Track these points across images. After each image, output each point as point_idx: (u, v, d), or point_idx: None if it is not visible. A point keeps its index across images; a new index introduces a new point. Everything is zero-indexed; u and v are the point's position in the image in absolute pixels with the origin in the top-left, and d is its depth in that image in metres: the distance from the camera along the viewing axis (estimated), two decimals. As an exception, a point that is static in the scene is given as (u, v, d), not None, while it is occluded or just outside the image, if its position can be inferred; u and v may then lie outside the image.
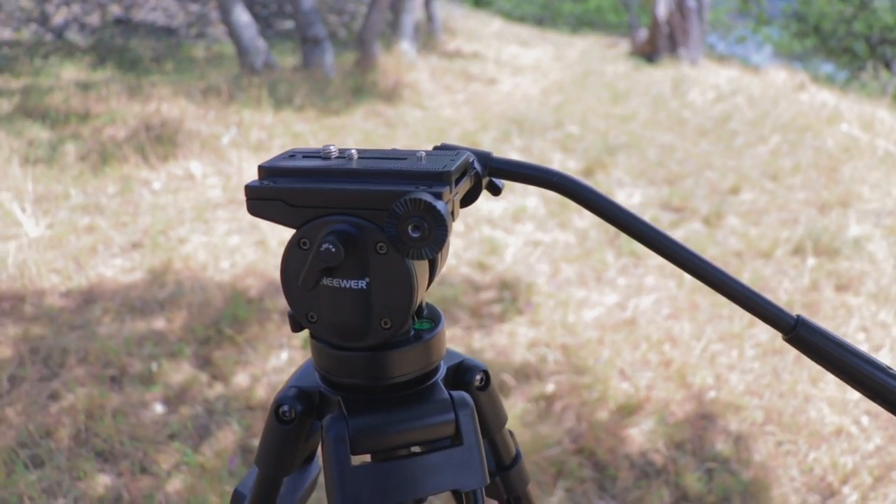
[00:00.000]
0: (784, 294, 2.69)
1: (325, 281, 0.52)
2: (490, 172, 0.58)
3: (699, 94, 6.55)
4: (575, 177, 0.54)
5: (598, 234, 3.22)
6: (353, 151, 0.55)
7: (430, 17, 10.06)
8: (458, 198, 0.54)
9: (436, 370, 0.59)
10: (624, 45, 10.96)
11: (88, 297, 2.54)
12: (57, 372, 2.11)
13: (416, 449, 0.59)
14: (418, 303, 0.54)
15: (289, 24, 9.43)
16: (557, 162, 4.31)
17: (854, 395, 2.09)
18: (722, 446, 1.86)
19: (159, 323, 2.37)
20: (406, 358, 0.55)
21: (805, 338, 0.52)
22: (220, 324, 2.34)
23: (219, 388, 2.04)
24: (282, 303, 2.48)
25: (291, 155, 0.57)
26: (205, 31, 8.83)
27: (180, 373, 2.11)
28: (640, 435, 1.89)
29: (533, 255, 3.02)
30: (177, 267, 2.75)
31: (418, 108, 5.64)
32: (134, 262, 2.81)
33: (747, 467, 1.79)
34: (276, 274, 2.71)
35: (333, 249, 0.48)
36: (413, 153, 0.55)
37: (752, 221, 3.47)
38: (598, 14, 17.49)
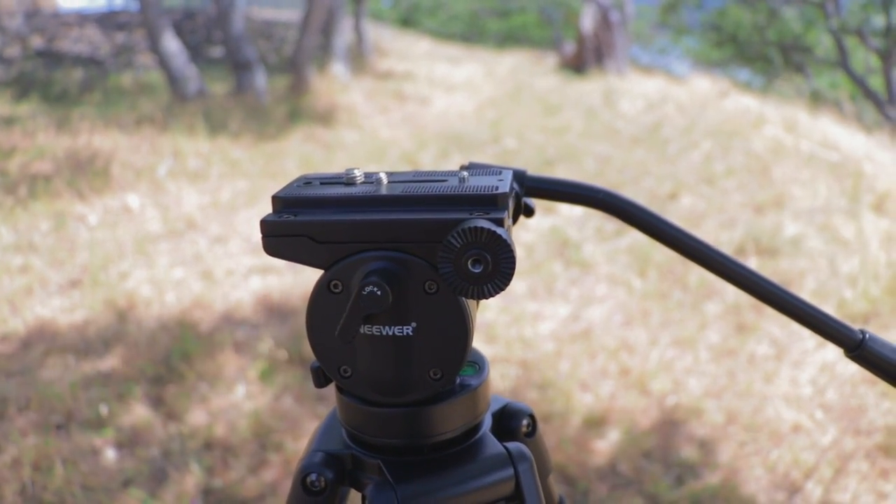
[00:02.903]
0: (731, 295, 2.75)
1: (363, 329, 0.45)
2: (527, 192, 0.53)
3: (629, 104, 6.70)
4: (621, 194, 0.50)
5: (545, 245, 3.24)
6: (382, 175, 0.49)
7: (360, 39, 10.05)
8: (511, 223, 0.48)
9: (483, 420, 0.53)
10: (551, 60, 11.14)
11: (27, 341, 2.42)
12: (-2, 422, 2.00)
13: None
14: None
15: (218, 52, 9.29)
16: (499, 177, 4.34)
17: (806, 390, 2.14)
18: (688, 451, 1.88)
19: (105, 363, 2.28)
20: (454, 411, 0.48)
21: (872, 355, 0.48)
22: (170, 360, 2.26)
23: (174, 428, 1.97)
24: (236, 335, 2.42)
25: (307, 182, 0.50)
26: (132, 61, 8.63)
27: (132, 414, 2.02)
28: (607, 446, 1.89)
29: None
30: (120, 304, 2.65)
31: (355, 130, 5.61)
32: (74, 301, 2.70)
33: (714, 470, 1.81)
34: (224, 306, 2.64)
35: (379, 293, 0.42)
36: (452, 174, 0.49)
37: (692, 225, 3.54)
38: (523, 30, 17.77)
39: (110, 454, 1.88)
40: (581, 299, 2.75)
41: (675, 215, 3.66)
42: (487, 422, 0.53)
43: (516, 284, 2.88)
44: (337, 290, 0.45)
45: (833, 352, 2.35)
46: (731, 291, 2.79)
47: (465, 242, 0.40)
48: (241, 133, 5.14)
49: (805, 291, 2.77)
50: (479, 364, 0.52)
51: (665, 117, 6.08)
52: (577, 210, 3.75)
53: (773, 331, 2.47)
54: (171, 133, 4.87)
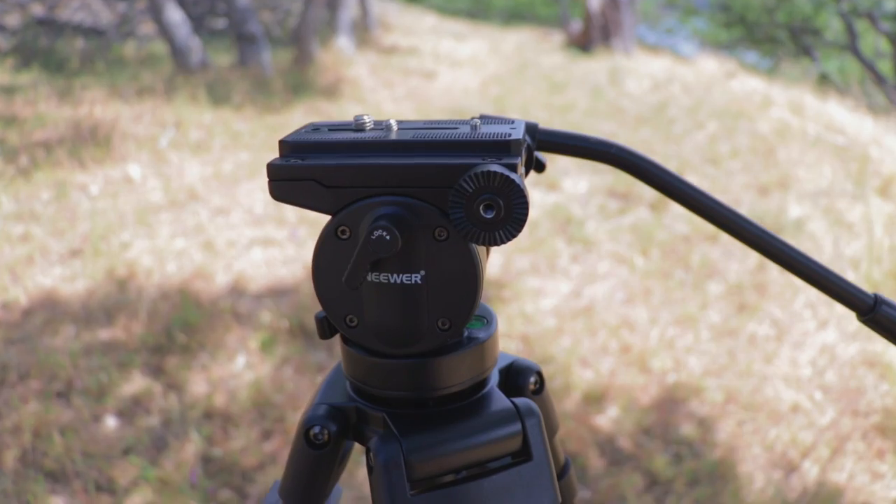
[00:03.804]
0: (733, 275, 2.74)
1: (371, 276, 0.44)
2: (538, 146, 0.51)
3: (635, 84, 6.65)
4: (636, 150, 0.49)
5: (548, 222, 3.23)
6: (392, 122, 0.47)
7: (365, 13, 9.97)
8: (524, 170, 0.47)
9: (491, 375, 0.52)
10: (557, 38, 11.06)
11: (28, 310, 2.43)
12: (-1, 389, 2.01)
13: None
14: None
15: (222, 23, 9.22)
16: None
17: (806, 371, 2.14)
18: (687, 429, 1.88)
19: (106, 332, 2.28)
20: (461, 364, 0.47)
21: (885, 318, 0.47)
22: (171, 330, 2.27)
23: (174, 398, 1.97)
24: (237, 305, 2.42)
25: (315, 128, 0.49)
26: (134, 31, 8.56)
27: (132, 383, 2.03)
28: (607, 422, 1.90)
29: (486, 247, 3.01)
30: (121, 273, 2.65)
31: (359, 104, 5.58)
32: (75, 271, 2.70)
33: (713, 448, 1.81)
34: (225, 277, 2.63)
35: (388, 237, 0.40)
36: (464, 122, 0.48)
37: (696, 206, 3.53)
38: (529, 7, 17.62)
39: (110, 422, 1.88)
40: (583, 276, 2.74)
41: (679, 195, 3.64)
42: (495, 377, 0.53)
43: (518, 260, 2.87)
44: (344, 237, 0.44)
45: (833, 334, 2.35)
46: (733, 272, 2.78)
47: (478, 187, 0.39)
48: (244, 105, 5.11)
49: (807, 273, 2.76)
50: (487, 318, 0.51)
51: (671, 97, 6.04)
52: (581, 187, 3.73)
53: (775, 311, 2.47)
54: (173, 104, 4.85)
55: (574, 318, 2.43)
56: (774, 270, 2.79)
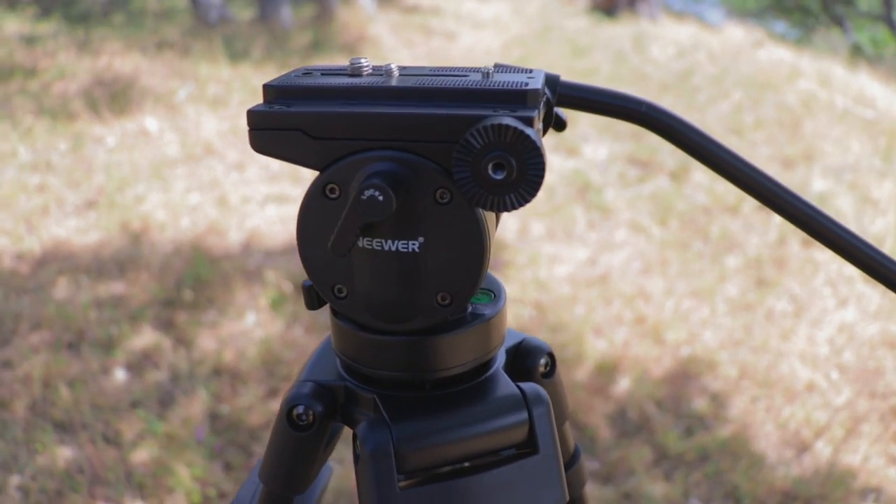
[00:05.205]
0: (753, 249, 2.69)
1: (362, 242, 0.39)
2: (559, 101, 0.46)
3: (660, 50, 6.52)
4: (669, 109, 0.44)
5: (566, 188, 3.18)
6: (393, 66, 0.42)
7: (387, -30, 9.80)
8: (541, 127, 0.41)
9: (496, 356, 0.46)
10: (581, 1, 10.84)
11: (41, 260, 2.42)
12: (9, 339, 2.01)
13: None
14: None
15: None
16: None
17: (823, 349, 2.10)
18: (699, 403, 1.85)
19: (118, 285, 2.27)
20: (463, 343, 0.42)
21: None
22: (182, 285, 2.26)
23: (183, 353, 1.97)
24: (249, 262, 2.40)
25: (307, 72, 0.43)
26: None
27: (142, 337, 2.02)
28: (618, 393, 1.87)
29: (502, 212, 2.97)
30: (135, 227, 2.64)
31: (379, 62, 5.51)
32: (89, 222, 2.69)
33: (724, 424, 1.78)
34: (239, 233, 2.62)
35: (381, 198, 0.35)
36: (475, 70, 0.42)
37: (717, 177, 3.46)
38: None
39: (119, 375, 1.88)
40: (600, 244, 2.70)
41: (700, 166, 3.56)
42: (501, 358, 0.47)
43: (534, 225, 2.83)
44: (333, 196, 0.39)
45: (853, 312, 2.30)
46: (752, 245, 2.73)
47: (487, 142, 0.34)
48: (264, 61, 5.06)
49: (828, 250, 2.70)
50: (494, 292, 0.46)
51: (696, 65, 5.91)
52: (601, 153, 3.67)
53: (794, 287, 2.42)
54: (192, 58, 4.80)
55: (589, 286, 2.39)
56: (795, 245, 2.74)
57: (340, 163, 0.38)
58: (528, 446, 0.43)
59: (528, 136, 0.33)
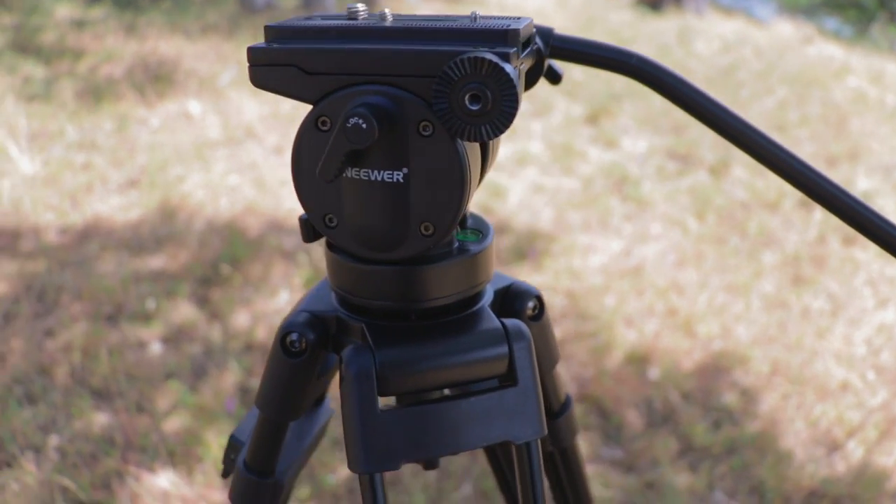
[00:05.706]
0: (791, 246, 2.65)
1: (350, 172, 0.41)
2: (552, 53, 0.48)
3: (705, 45, 6.42)
4: (659, 62, 0.45)
5: (603, 180, 3.16)
6: (387, 12, 0.45)
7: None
8: (524, 68, 0.43)
9: (482, 293, 0.48)
10: (629, -6, 10.72)
11: (84, 235, 2.49)
12: (52, 309, 2.07)
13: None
14: (468, 203, 0.43)
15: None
16: (561, 107, 4.22)
17: (860, 349, 2.07)
18: (729, 397, 1.84)
19: (157, 261, 2.32)
20: (448, 275, 0.44)
21: None
22: (218, 263, 2.30)
23: (217, 328, 2.01)
24: (283, 243, 2.44)
25: (308, 17, 0.46)
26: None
27: (178, 311, 2.07)
28: (646, 384, 1.86)
29: (537, 200, 2.96)
30: (174, 205, 2.69)
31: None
32: (131, 200, 2.75)
33: (754, 419, 1.77)
34: (276, 214, 2.65)
35: (364, 125, 0.38)
36: (463, 16, 0.45)
37: (758, 173, 3.40)
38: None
39: (155, 347, 1.93)
40: (635, 236, 2.69)
41: (741, 160, 3.52)
42: (488, 296, 0.49)
43: (570, 215, 2.82)
44: (325, 128, 0.41)
45: (893, 313, 2.25)
46: (791, 242, 2.68)
47: (463, 74, 0.36)
48: (306, 47, 5.10)
49: (870, 249, 2.65)
50: (483, 232, 0.48)
51: (741, 60, 5.82)
52: (639, 146, 3.64)
53: (832, 286, 2.38)
54: (236, 43, 4.86)
55: (622, 277, 2.38)
56: (835, 243, 2.69)
57: (331, 97, 0.41)
58: (508, 379, 0.45)
59: (502, 69, 0.36)
